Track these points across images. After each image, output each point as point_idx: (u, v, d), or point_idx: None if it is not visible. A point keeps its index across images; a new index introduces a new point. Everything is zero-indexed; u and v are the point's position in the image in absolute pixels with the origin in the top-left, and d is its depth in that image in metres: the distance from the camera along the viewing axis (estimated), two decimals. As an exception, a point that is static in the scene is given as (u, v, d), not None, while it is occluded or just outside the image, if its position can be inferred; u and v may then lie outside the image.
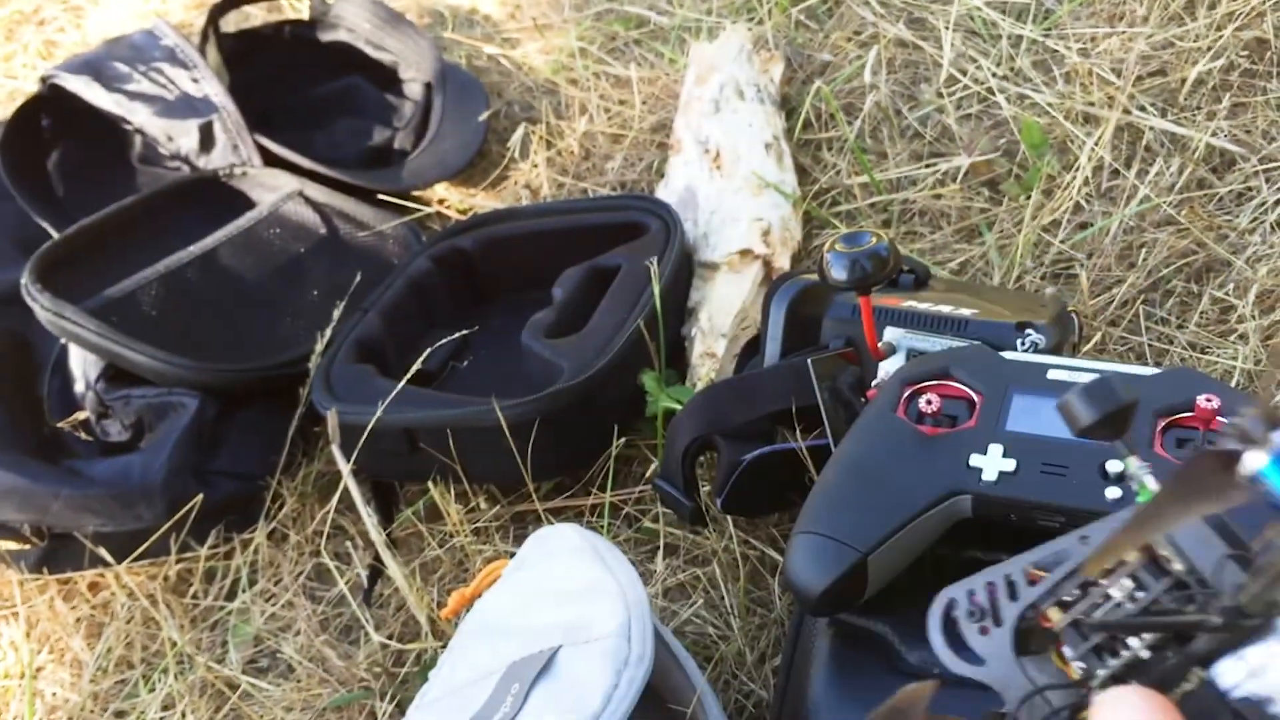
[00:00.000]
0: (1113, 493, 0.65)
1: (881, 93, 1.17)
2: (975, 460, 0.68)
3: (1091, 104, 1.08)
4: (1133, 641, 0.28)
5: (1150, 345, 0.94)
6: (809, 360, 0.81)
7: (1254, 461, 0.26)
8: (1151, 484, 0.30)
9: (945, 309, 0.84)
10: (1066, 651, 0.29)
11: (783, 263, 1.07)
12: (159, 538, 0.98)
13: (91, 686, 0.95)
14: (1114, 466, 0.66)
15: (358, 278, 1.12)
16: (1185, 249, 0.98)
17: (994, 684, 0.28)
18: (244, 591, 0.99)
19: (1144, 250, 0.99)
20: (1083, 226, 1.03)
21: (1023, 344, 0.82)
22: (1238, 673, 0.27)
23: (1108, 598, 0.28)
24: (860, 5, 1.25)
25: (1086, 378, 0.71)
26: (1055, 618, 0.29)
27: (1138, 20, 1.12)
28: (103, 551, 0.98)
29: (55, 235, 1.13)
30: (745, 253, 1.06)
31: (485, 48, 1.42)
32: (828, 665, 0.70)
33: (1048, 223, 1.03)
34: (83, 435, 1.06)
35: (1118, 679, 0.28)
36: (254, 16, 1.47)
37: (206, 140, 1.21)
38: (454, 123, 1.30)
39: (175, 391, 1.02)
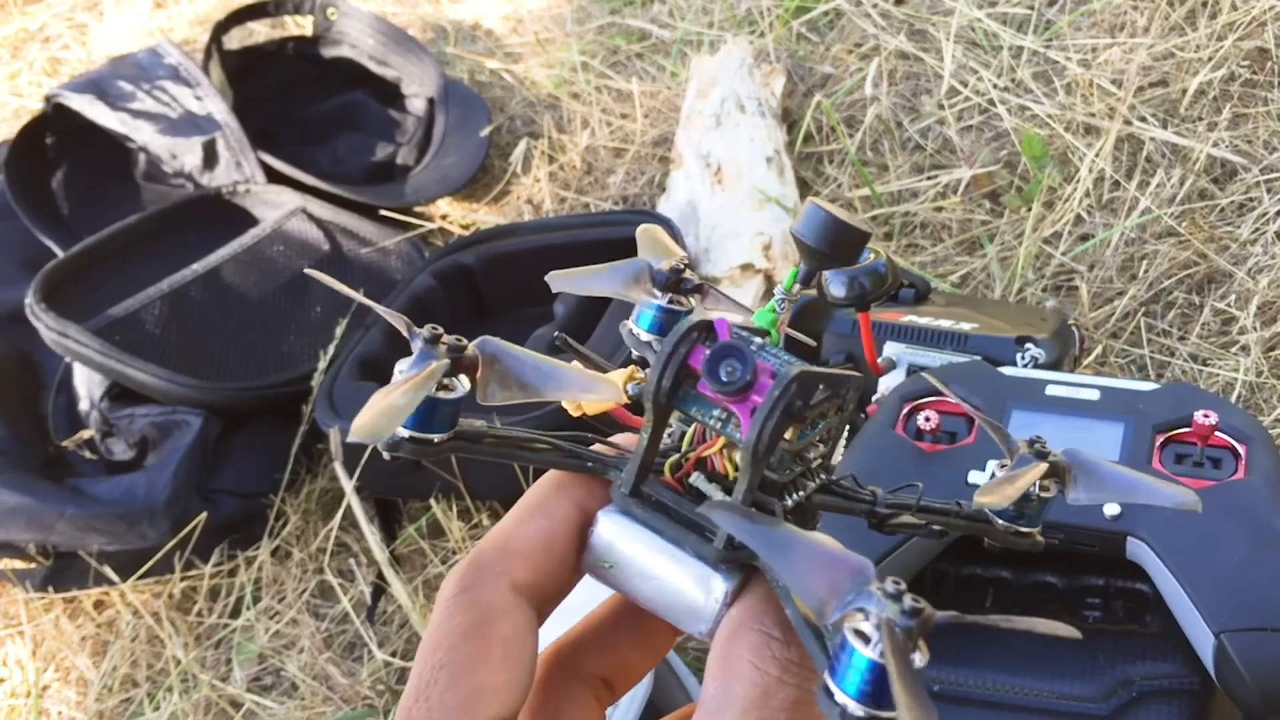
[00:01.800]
0: (1111, 509, 0.65)
1: (883, 105, 1.18)
2: (974, 477, 0.68)
3: (1092, 115, 1.08)
4: (809, 485, 0.29)
5: (1151, 357, 0.94)
6: (808, 376, 0.81)
7: None
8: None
9: (945, 324, 0.84)
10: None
11: (784, 277, 1.07)
12: (163, 556, 0.98)
13: (97, 705, 0.95)
14: (1113, 483, 0.66)
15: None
16: (1186, 260, 0.98)
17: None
18: (248, 609, 0.99)
19: (1145, 262, 0.99)
20: (1084, 238, 1.03)
21: (1023, 358, 0.82)
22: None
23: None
24: (861, 17, 1.26)
25: (1085, 393, 0.71)
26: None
27: (1138, 31, 1.12)
28: (108, 570, 0.98)
29: (59, 253, 1.14)
30: (746, 267, 1.06)
31: (487, 63, 1.42)
32: (828, 683, 0.70)
33: (1049, 235, 1.03)
34: (87, 454, 1.06)
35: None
36: (257, 33, 1.47)
37: (210, 158, 1.22)
38: (456, 138, 1.31)
39: (179, 410, 1.02)
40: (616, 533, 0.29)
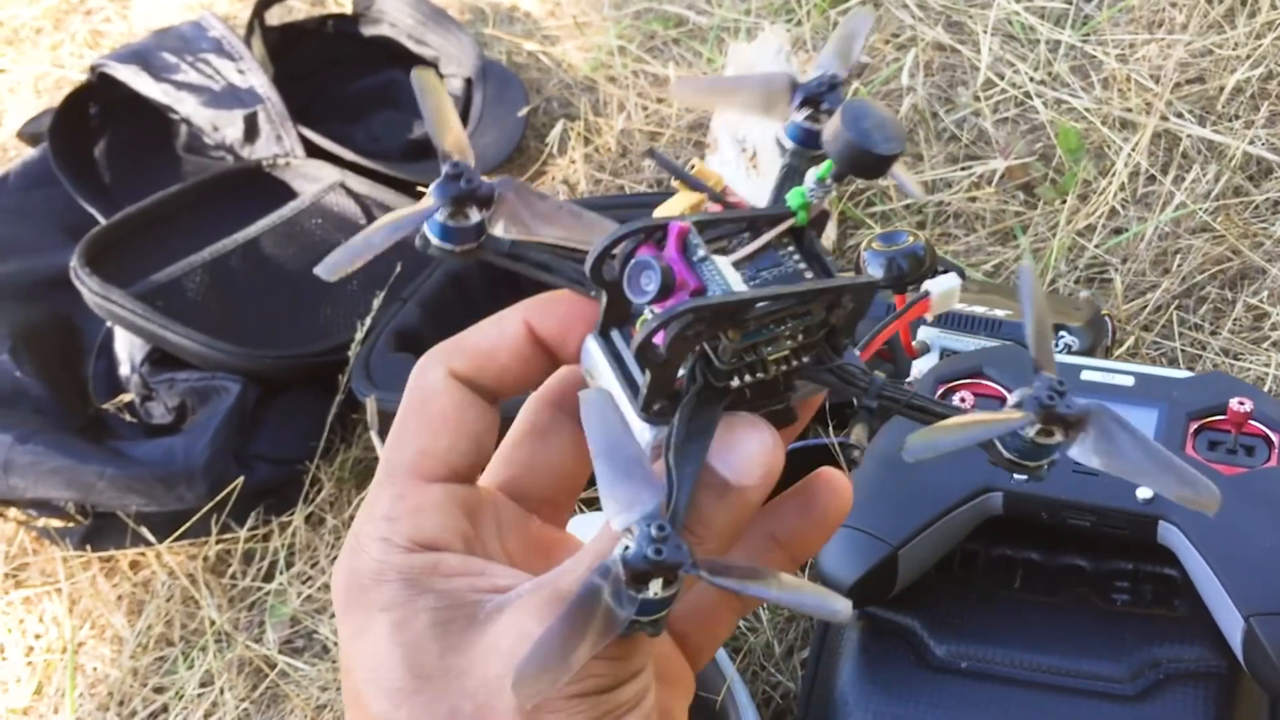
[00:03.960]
0: (1144, 492, 0.66)
1: (919, 95, 1.18)
2: (1007, 458, 0.69)
3: (1129, 110, 1.09)
4: (772, 368, 0.32)
5: (1183, 351, 0.95)
6: (843, 357, 0.82)
7: None
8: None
9: (979, 310, 0.85)
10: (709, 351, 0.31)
11: (817, 262, 1.08)
12: (200, 519, 1.00)
13: (131, 662, 0.97)
14: (1145, 467, 0.66)
15: (398, 268, 1.13)
16: (1220, 256, 0.99)
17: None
18: (281, 573, 1.00)
19: (1179, 256, 1.00)
20: (1118, 232, 1.03)
21: (1056, 346, 0.83)
22: None
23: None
24: (899, 8, 1.26)
25: (1120, 379, 0.72)
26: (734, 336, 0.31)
27: (1177, 27, 1.13)
28: (144, 531, 1.00)
29: (101, 221, 1.15)
30: (780, 251, 1.07)
31: (525, 44, 1.43)
32: (856, 658, 0.71)
33: (1082, 227, 1.04)
34: (127, 417, 1.08)
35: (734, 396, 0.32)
36: (297, 10, 1.49)
37: (251, 131, 1.23)
38: (493, 118, 1.32)
39: (218, 376, 1.04)
40: (592, 358, 0.33)
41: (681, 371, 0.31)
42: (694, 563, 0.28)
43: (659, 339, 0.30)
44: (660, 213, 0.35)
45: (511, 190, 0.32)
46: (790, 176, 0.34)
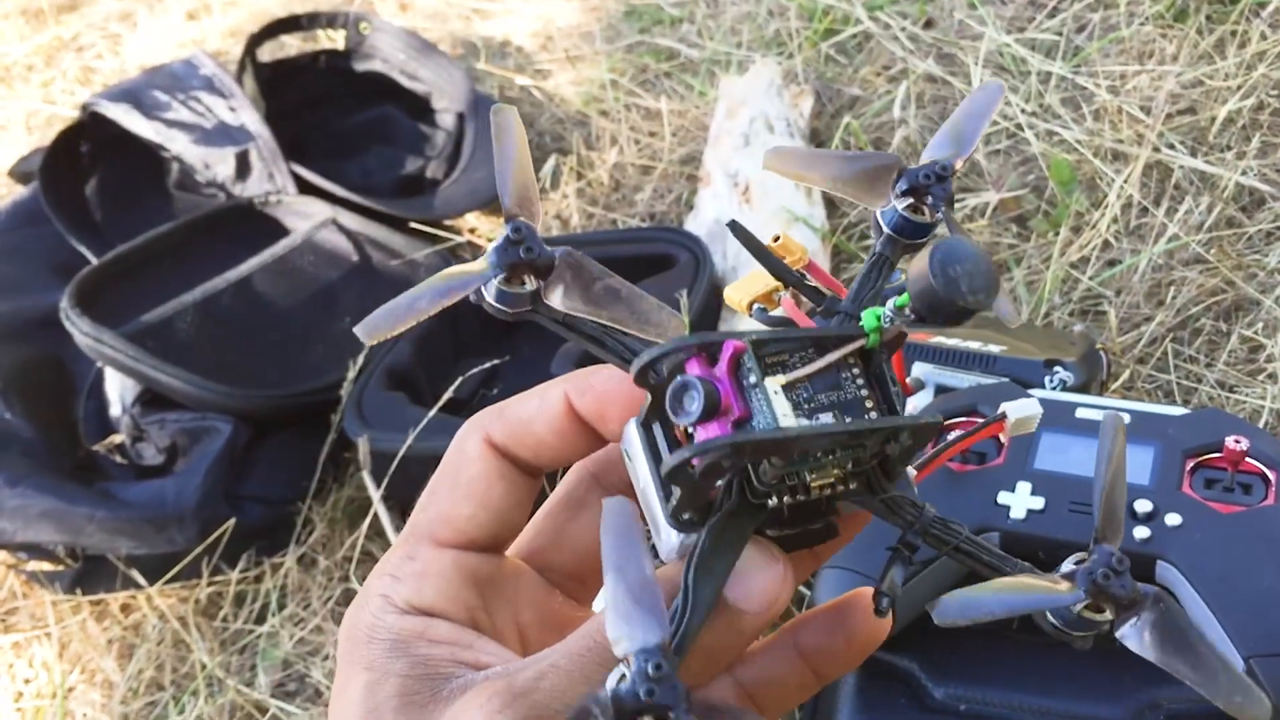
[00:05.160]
0: (1141, 532, 0.65)
1: (910, 128, 1.18)
2: (1003, 498, 0.68)
3: (1120, 141, 1.09)
4: (815, 491, 0.31)
5: (1179, 384, 0.95)
6: (837, 395, 0.82)
7: None
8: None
9: (973, 345, 0.84)
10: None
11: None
12: (191, 561, 0.99)
13: (122, 708, 0.96)
14: (1142, 506, 0.66)
15: (389, 306, 1.13)
16: (1214, 288, 0.98)
17: None
18: (273, 615, 0.99)
19: (1172, 288, 0.99)
20: (1111, 264, 1.03)
21: (1051, 381, 0.82)
22: None
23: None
24: (890, 40, 1.26)
25: (1115, 417, 0.71)
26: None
27: (1167, 58, 1.13)
28: (135, 573, 0.99)
29: (92, 260, 1.15)
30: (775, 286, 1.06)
31: (517, 79, 1.44)
32: (853, 701, 0.70)
33: (1076, 260, 1.03)
34: (117, 458, 1.07)
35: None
36: (290, 46, 1.49)
37: (242, 168, 1.23)
38: (485, 153, 1.32)
39: (209, 416, 1.03)
40: (632, 445, 0.32)
41: (719, 481, 0.30)
42: (687, 708, 0.26)
43: (695, 462, 0.29)
44: (732, 291, 0.34)
45: (570, 263, 0.32)
46: (878, 265, 0.33)
